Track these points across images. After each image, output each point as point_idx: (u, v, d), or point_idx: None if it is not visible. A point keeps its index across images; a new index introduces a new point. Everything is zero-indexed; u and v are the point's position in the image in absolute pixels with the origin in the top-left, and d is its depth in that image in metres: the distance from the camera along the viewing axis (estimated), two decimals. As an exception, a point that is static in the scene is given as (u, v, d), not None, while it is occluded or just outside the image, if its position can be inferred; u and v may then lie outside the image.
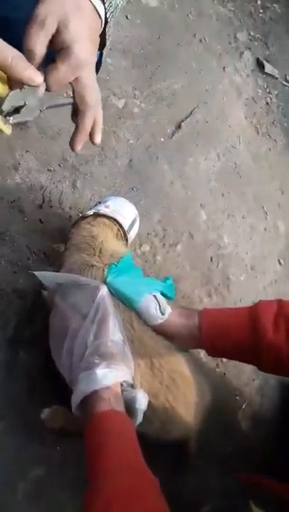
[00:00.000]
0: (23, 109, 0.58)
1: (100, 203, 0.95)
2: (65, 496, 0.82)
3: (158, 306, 0.78)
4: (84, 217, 0.90)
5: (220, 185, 1.28)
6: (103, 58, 0.88)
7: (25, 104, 0.57)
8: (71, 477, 0.84)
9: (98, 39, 0.62)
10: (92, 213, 0.90)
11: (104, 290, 0.74)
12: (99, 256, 0.81)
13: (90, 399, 0.66)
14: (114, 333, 0.71)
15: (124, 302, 0.78)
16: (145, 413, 0.72)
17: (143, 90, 1.30)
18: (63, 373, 0.74)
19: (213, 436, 0.96)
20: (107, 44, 0.66)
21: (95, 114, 0.64)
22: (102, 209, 0.91)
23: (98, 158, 1.14)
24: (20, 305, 0.92)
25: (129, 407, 0.70)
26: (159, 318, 0.78)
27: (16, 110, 0.58)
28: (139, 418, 0.71)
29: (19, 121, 0.59)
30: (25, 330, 0.90)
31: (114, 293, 0.77)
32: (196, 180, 1.25)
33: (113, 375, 0.67)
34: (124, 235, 0.92)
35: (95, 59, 0.61)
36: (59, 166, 1.09)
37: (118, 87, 1.26)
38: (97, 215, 0.90)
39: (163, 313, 0.79)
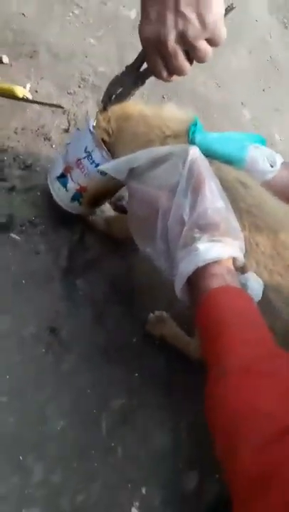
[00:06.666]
0: None
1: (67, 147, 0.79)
2: (155, 422, 0.75)
3: (265, 158, 0.63)
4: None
5: (258, 80, 1.15)
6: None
7: None
8: (156, 404, 0.76)
9: None
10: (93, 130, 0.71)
11: (194, 151, 0.57)
12: (161, 129, 0.64)
13: (198, 278, 0.53)
14: (213, 200, 0.55)
15: (225, 161, 0.61)
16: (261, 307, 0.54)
17: (154, -3, 1.16)
18: (160, 265, 0.60)
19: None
20: None
21: None
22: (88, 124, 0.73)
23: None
24: (67, 235, 0.84)
25: None
26: (269, 172, 0.63)
27: None
28: None
29: None
30: (78, 258, 0.82)
31: (209, 153, 0.60)
32: (231, 79, 1.12)
33: (218, 249, 0.53)
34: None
35: None
36: (79, 87, 0.99)
37: (126, -2, 1.13)
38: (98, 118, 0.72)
39: (272, 166, 0.64)
